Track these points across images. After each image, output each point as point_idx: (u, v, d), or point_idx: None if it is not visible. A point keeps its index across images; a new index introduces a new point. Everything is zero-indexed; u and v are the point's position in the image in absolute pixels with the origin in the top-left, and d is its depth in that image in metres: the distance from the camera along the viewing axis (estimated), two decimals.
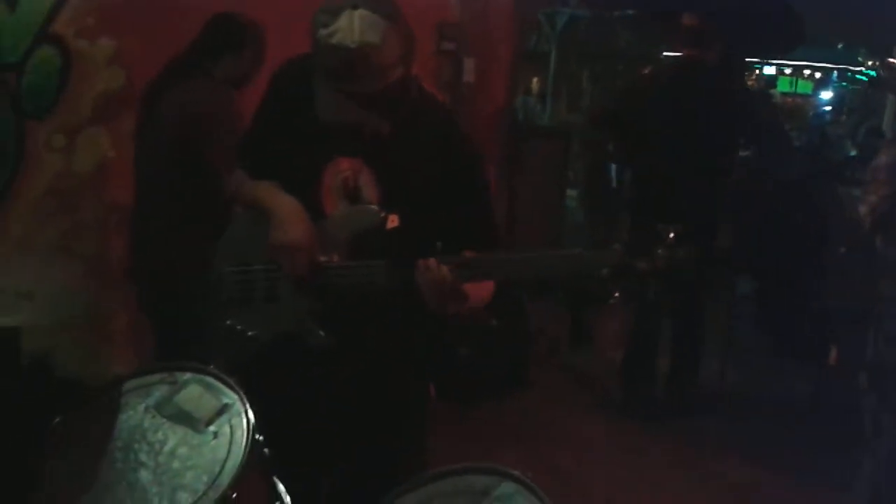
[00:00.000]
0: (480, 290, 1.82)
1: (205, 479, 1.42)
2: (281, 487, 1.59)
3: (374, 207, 1.80)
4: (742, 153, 3.97)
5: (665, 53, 6.02)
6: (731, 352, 4.09)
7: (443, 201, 1.81)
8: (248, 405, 1.52)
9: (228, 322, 1.94)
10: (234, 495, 1.41)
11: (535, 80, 7.95)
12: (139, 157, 2.63)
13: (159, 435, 1.49)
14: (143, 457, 1.46)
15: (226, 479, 1.43)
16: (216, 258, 2.00)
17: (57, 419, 1.50)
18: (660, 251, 1.48)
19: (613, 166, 4.54)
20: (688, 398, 3.92)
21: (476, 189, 1.91)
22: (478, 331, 3.26)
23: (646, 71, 4.13)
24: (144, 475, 1.44)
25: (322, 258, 1.83)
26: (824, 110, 11.76)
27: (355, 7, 1.63)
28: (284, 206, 1.82)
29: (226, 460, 1.45)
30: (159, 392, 1.55)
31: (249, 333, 1.92)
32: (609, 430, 3.69)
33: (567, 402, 3.89)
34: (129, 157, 2.82)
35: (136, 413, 1.52)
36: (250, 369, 1.80)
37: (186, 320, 2.19)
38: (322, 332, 1.84)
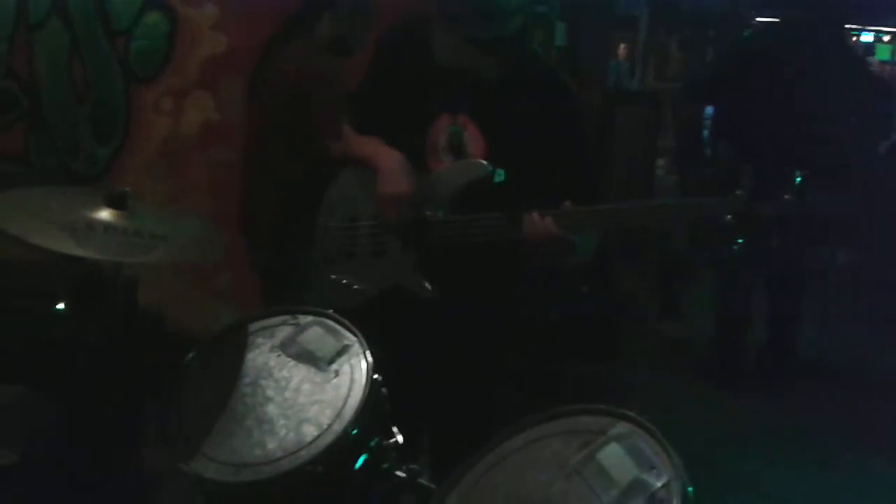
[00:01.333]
0: None
1: (328, 413, 1.48)
2: (394, 427, 1.63)
3: (481, 161, 1.82)
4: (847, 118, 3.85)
5: (759, 18, 5.84)
6: (828, 320, 3.98)
7: (547, 154, 1.82)
8: (366, 346, 1.57)
9: (334, 276, 2.00)
10: (355, 431, 1.47)
11: (623, 46, 7.82)
12: (249, 118, 2.72)
13: (284, 372, 1.56)
14: (269, 392, 1.53)
15: (348, 414, 1.48)
16: (322, 214, 2.06)
17: (191, 354, 1.58)
18: (787, 196, 1.46)
19: (707, 131, 4.44)
20: (784, 366, 3.84)
21: (579, 142, 1.92)
22: (569, 296, 3.26)
23: (746, 34, 4.03)
24: (272, 409, 1.51)
25: (427, 212, 1.87)
26: None
27: None
28: (390, 159, 1.87)
29: (347, 397, 1.50)
30: (283, 333, 1.62)
31: (356, 287, 1.97)
32: (702, 398, 3.65)
33: (658, 370, 3.86)
34: (233, 118, 2.93)
35: (262, 352, 1.59)
36: (356, 322, 1.86)
37: (293, 275, 2.26)
38: (428, 286, 1.88)
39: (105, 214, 1.56)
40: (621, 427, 1.26)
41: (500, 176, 1.78)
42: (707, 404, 3.54)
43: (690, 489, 1.16)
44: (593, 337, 3.61)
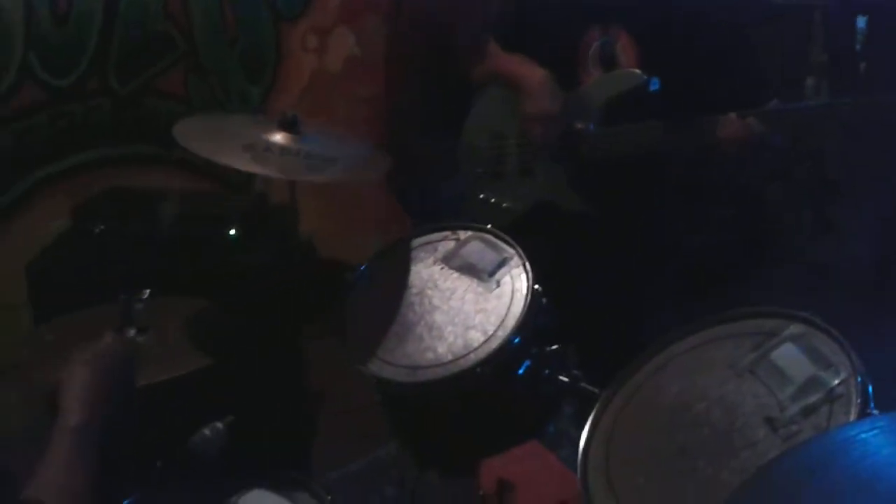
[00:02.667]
0: None
1: (493, 321, 1.55)
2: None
3: (636, 71, 1.81)
4: None
5: None
6: None
7: (705, 60, 1.78)
8: (525, 258, 1.62)
9: (482, 195, 2.05)
10: (517, 339, 1.54)
11: None
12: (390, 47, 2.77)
13: (448, 283, 1.64)
14: (436, 301, 1.62)
15: (510, 322, 1.55)
16: (468, 135, 2.11)
17: (362, 267, 1.68)
18: None
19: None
20: None
21: (739, 46, 1.86)
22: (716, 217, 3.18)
23: None
24: (439, 317, 1.59)
25: (579, 126, 1.87)
26: None
27: None
28: (535, 77, 1.88)
29: (510, 306, 1.57)
30: (445, 248, 1.69)
31: (504, 205, 2.02)
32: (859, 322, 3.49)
33: (810, 294, 3.71)
34: (374, 53, 3.00)
35: (427, 265, 1.68)
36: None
37: (439, 199, 2.34)
38: (580, 200, 1.90)
39: (280, 137, 1.66)
40: (796, 328, 1.26)
41: (655, 85, 1.76)
42: (864, 328, 3.39)
43: (871, 387, 1.15)
44: (741, 259, 3.52)
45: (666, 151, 1.79)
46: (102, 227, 2.08)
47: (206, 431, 1.42)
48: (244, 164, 1.59)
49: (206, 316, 1.64)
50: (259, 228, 2.18)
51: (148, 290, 1.54)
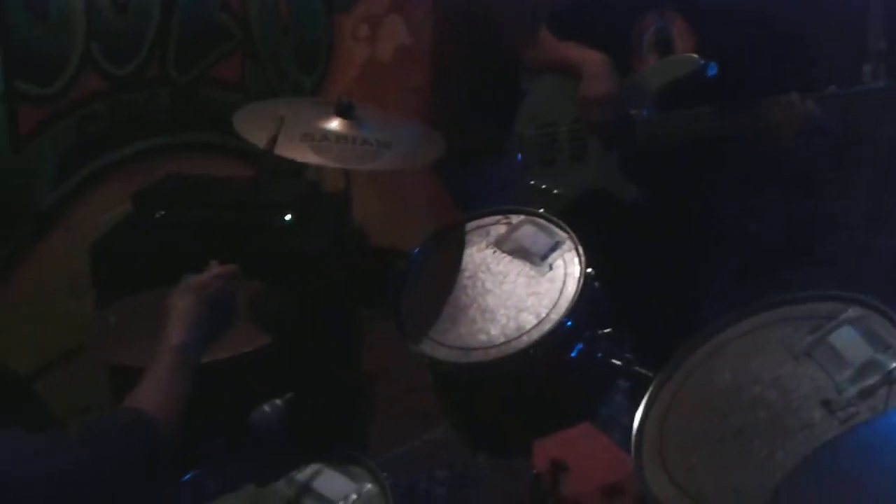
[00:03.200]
0: None
1: (545, 303, 1.57)
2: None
3: (693, 56, 1.79)
4: None
5: None
6: None
7: (761, 44, 1.76)
8: (578, 242, 1.63)
9: (532, 182, 2.06)
10: (570, 322, 1.55)
11: None
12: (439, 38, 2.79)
13: (501, 267, 1.65)
14: (488, 285, 1.64)
15: (563, 305, 1.56)
16: (519, 124, 2.12)
17: (415, 250, 1.71)
18: None
19: None
20: None
21: (795, 30, 1.83)
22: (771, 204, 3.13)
23: None
24: (491, 300, 1.61)
25: (633, 111, 1.86)
26: None
27: None
28: (593, 59, 1.87)
29: (562, 289, 1.58)
30: (497, 231, 1.71)
31: (555, 191, 2.02)
32: None
33: (869, 283, 3.63)
34: (424, 42, 3.02)
35: (479, 248, 1.70)
36: None
37: (484, 188, 2.35)
38: (633, 187, 1.89)
39: (336, 124, 1.69)
40: (854, 311, 1.25)
41: (712, 70, 1.74)
42: None
43: None
44: (795, 244, 3.46)
45: (721, 136, 1.77)
46: (162, 212, 2.14)
47: (266, 408, 1.46)
48: (303, 155, 1.62)
49: (266, 297, 1.68)
50: (313, 215, 2.22)
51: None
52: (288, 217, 2.13)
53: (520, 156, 2.08)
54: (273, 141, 1.59)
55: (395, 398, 2.32)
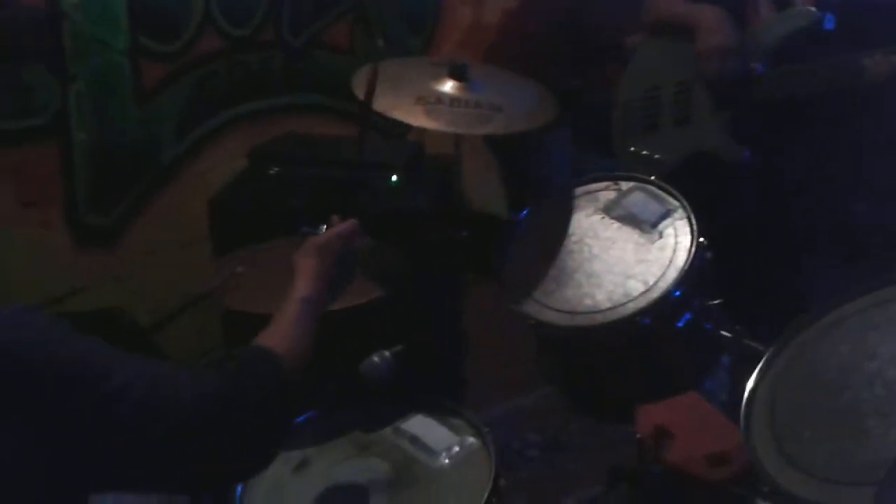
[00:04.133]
0: None
1: (654, 271, 1.56)
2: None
3: (811, 8, 1.73)
4: None
5: None
6: None
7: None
8: (690, 211, 1.61)
9: (632, 148, 2.03)
10: (678, 292, 1.53)
11: None
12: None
13: (609, 233, 1.65)
14: (595, 250, 1.64)
15: (672, 274, 1.55)
16: (622, 92, 2.09)
17: (523, 212, 1.72)
18: None
19: None
20: None
21: None
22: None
23: None
24: (597, 265, 1.61)
25: (751, 65, 1.81)
26: None
27: None
28: (709, 13, 1.83)
29: (672, 258, 1.57)
30: (606, 197, 1.70)
31: (656, 156, 1.98)
32: None
33: None
34: (530, 7, 3.01)
35: (587, 214, 1.69)
36: None
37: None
38: (741, 148, 1.84)
39: (449, 87, 1.71)
40: None
41: (829, 22, 1.68)
42: None
43: None
44: None
45: (837, 92, 1.71)
46: (276, 169, 2.22)
47: (376, 358, 1.51)
48: (418, 119, 1.64)
49: (379, 252, 1.72)
50: (418, 176, 2.26)
51: (325, 226, 1.65)
52: (394, 177, 2.18)
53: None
54: (370, 93, 1.62)
55: (493, 360, 2.35)
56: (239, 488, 1.37)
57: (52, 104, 2.02)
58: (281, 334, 1.16)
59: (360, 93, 1.74)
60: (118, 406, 0.89)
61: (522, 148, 2.83)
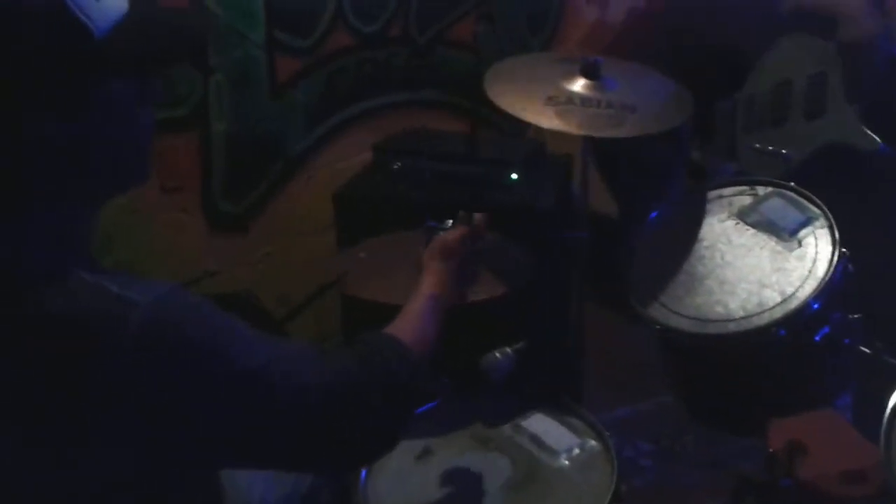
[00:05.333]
0: None
1: (791, 282, 1.50)
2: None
3: None
4: None
5: None
6: None
7: None
8: (832, 220, 1.54)
9: (757, 145, 1.95)
10: (817, 305, 1.47)
11: None
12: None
13: (743, 240, 1.60)
14: (728, 257, 1.59)
15: (811, 285, 1.48)
16: (751, 85, 2.02)
17: (651, 214, 1.69)
18: None
19: None
20: None
21: None
22: None
23: None
24: (730, 273, 1.56)
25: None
26: None
27: None
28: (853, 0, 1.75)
29: (812, 269, 1.50)
30: (741, 202, 1.65)
31: (783, 152, 1.89)
32: None
33: None
34: (657, 6, 2.94)
35: (720, 219, 1.65)
36: None
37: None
38: (877, 138, 1.74)
39: (580, 86, 1.69)
40: None
41: None
42: None
43: None
44: None
45: None
46: (399, 163, 2.26)
47: (497, 354, 1.52)
48: (549, 121, 1.62)
49: (503, 249, 1.72)
50: (538, 174, 2.26)
51: (451, 221, 1.66)
52: (514, 175, 2.18)
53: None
54: None
55: (610, 364, 2.32)
56: (363, 474, 1.41)
57: (193, 95, 2.12)
58: (407, 327, 1.18)
59: (491, 91, 1.74)
60: (256, 383, 0.92)
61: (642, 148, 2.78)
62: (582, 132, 1.67)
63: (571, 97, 1.66)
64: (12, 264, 0.85)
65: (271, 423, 0.95)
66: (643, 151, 2.80)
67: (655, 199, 2.28)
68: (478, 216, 1.48)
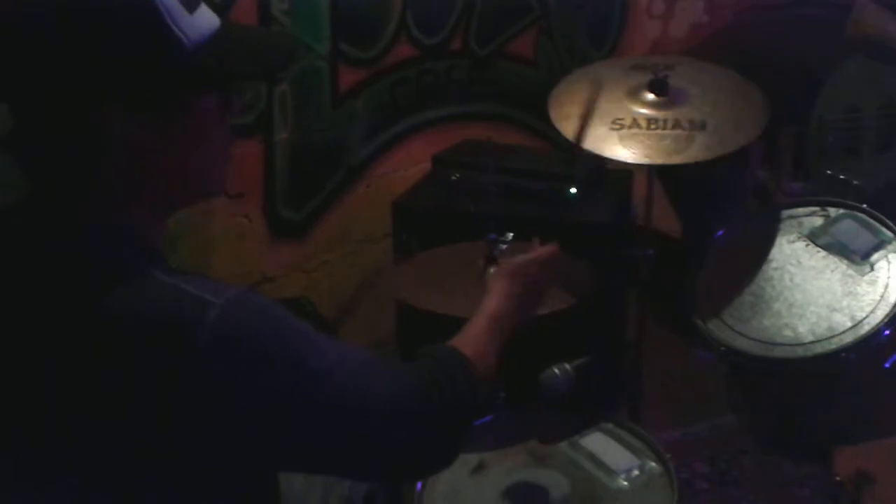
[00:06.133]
0: None
1: (863, 307, 1.46)
2: None
3: None
4: None
5: None
6: None
7: None
8: None
9: (829, 171, 1.91)
10: (888, 331, 1.43)
11: None
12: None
13: (813, 262, 1.56)
14: (797, 279, 1.55)
15: (883, 310, 1.44)
16: (821, 108, 1.98)
17: (718, 232, 1.66)
18: None
19: None
20: None
21: None
22: None
23: None
24: (799, 295, 1.53)
25: None
26: None
27: None
28: None
29: (884, 294, 1.46)
30: (811, 223, 1.61)
31: (855, 182, 1.86)
32: None
33: None
34: (721, 22, 2.91)
35: (790, 240, 1.61)
36: None
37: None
38: None
39: (647, 104, 1.66)
40: None
41: None
42: None
43: None
44: None
45: None
46: (457, 175, 2.26)
47: (556, 370, 1.50)
48: (611, 149, 1.60)
49: (566, 264, 1.71)
50: (598, 189, 2.24)
51: (511, 234, 1.66)
52: (573, 190, 2.17)
53: None
54: (580, 135, 1.59)
55: (668, 383, 2.29)
56: (418, 486, 1.41)
57: (258, 104, 2.16)
58: (470, 343, 1.17)
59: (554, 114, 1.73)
60: (324, 384, 0.92)
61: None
62: (645, 162, 1.64)
63: (637, 119, 1.65)
64: (94, 263, 0.87)
65: (334, 426, 0.95)
66: (706, 169, 2.77)
67: (717, 218, 2.24)
68: (548, 247, 1.45)
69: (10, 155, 0.90)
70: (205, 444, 0.86)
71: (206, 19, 0.90)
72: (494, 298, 1.25)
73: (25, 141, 0.88)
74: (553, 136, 2.71)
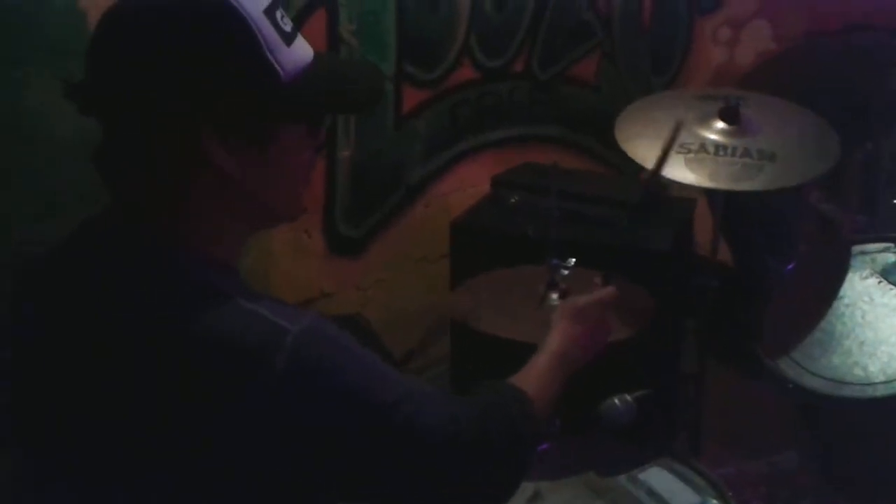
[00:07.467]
0: None
1: None
2: None
3: None
4: None
5: None
6: None
7: None
8: None
9: None
10: None
11: None
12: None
13: (885, 300, 1.52)
14: (869, 317, 1.51)
15: None
16: (892, 140, 1.93)
17: (788, 266, 1.63)
18: None
19: None
20: None
21: None
22: None
23: None
24: (871, 334, 1.49)
25: None
26: None
27: None
28: None
29: None
30: (885, 260, 1.57)
31: None
32: None
33: None
34: (789, 50, 2.86)
35: (862, 276, 1.57)
36: None
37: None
38: None
39: (717, 131, 1.64)
40: None
41: None
42: None
43: None
44: None
45: None
46: (516, 198, 2.26)
47: (616, 401, 1.47)
48: (676, 171, 1.58)
49: (626, 292, 1.69)
50: (655, 216, 2.21)
51: (574, 260, 1.64)
52: (633, 218, 2.14)
53: None
54: (654, 174, 1.56)
55: (727, 418, 2.23)
56: None
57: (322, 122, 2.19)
58: (531, 382, 1.16)
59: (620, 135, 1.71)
60: (390, 416, 0.92)
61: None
62: (710, 185, 1.61)
63: (705, 144, 1.62)
64: (176, 285, 0.89)
65: (396, 457, 0.95)
66: (761, 196, 2.72)
67: (768, 246, 2.19)
68: (609, 289, 1.42)
69: (97, 169, 0.92)
70: (268, 468, 0.87)
71: (302, 52, 0.92)
72: (557, 338, 1.23)
73: (116, 158, 0.90)
74: (612, 160, 2.71)
